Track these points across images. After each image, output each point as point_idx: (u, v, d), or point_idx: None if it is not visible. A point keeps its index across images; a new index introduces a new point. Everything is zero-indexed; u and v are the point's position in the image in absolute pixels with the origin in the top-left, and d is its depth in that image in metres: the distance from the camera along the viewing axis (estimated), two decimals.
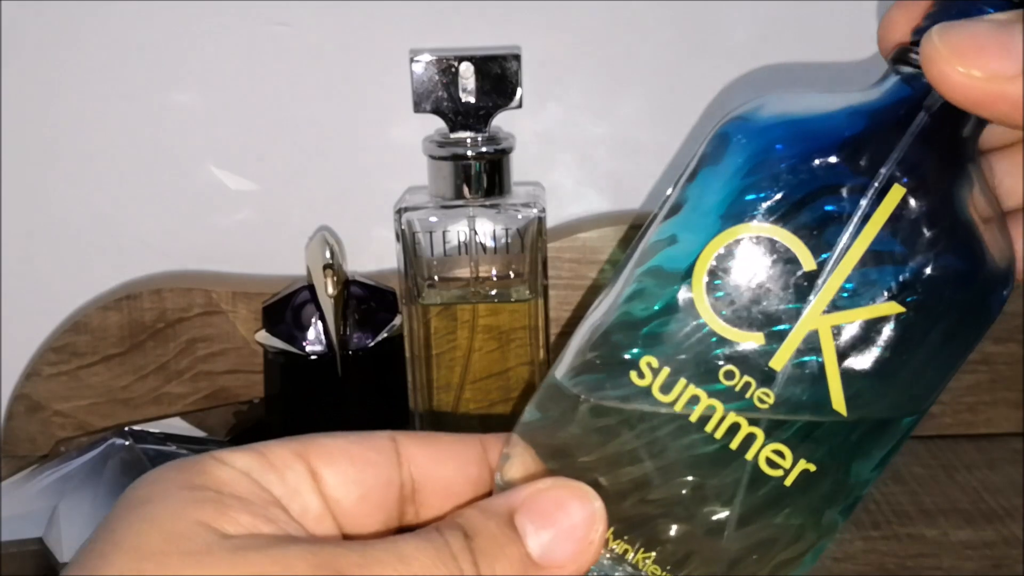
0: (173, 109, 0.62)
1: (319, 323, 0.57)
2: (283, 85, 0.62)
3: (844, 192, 0.27)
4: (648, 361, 0.28)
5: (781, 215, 0.27)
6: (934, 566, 0.51)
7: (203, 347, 0.63)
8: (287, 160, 0.63)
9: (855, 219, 0.26)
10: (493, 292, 0.56)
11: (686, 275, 0.27)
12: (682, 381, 0.27)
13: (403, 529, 0.30)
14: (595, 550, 0.27)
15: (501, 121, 0.55)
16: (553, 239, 0.61)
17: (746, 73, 0.62)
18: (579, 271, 0.62)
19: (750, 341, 0.27)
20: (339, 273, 0.57)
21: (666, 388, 0.27)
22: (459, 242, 0.56)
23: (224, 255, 0.65)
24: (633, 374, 0.28)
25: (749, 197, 0.27)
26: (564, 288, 0.62)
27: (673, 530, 0.28)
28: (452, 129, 0.54)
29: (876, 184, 0.26)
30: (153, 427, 0.58)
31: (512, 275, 0.56)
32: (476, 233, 0.55)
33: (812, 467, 0.27)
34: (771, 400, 0.27)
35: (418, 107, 0.54)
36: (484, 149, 0.54)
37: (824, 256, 0.27)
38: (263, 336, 0.58)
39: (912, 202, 0.26)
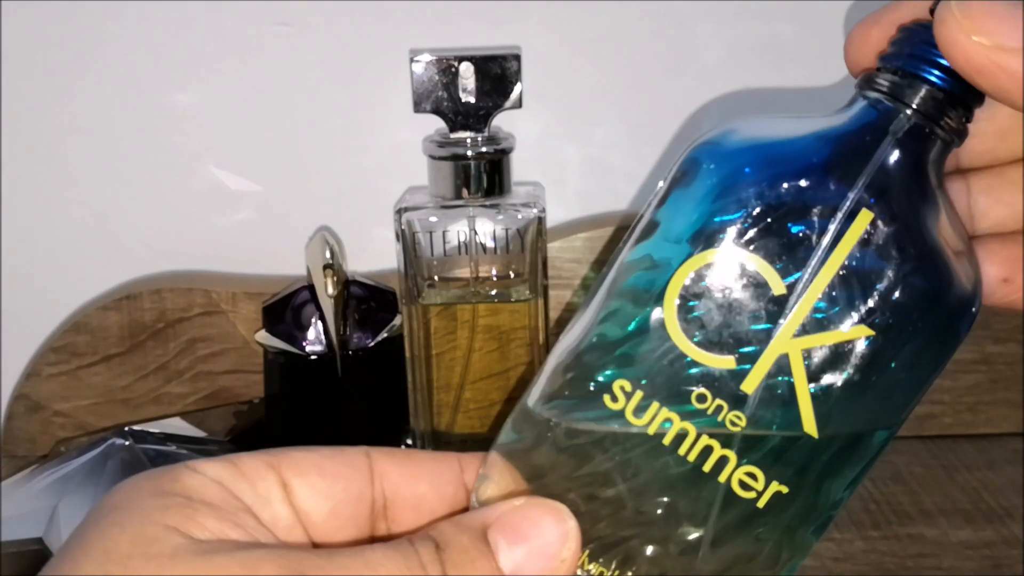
0: (173, 109, 0.62)
1: (319, 323, 0.57)
2: (283, 85, 0.62)
3: (813, 216, 0.27)
4: (621, 384, 0.28)
5: (750, 239, 0.27)
6: (934, 566, 0.51)
7: (203, 347, 0.63)
8: (287, 160, 0.63)
9: (824, 243, 0.27)
10: (493, 292, 0.56)
11: (658, 298, 0.28)
12: (655, 404, 0.28)
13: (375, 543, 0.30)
14: (567, 568, 0.27)
15: (501, 121, 0.55)
16: (553, 239, 0.61)
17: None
18: (579, 271, 0.62)
19: (721, 364, 0.27)
20: (339, 273, 0.57)
21: (639, 411, 0.28)
22: (459, 242, 0.56)
23: (224, 255, 0.65)
24: (607, 397, 0.28)
25: (718, 220, 0.27)
26: (564, 288, 0.62)
27: (647, 551, 0.29)
28: (452, 129, 0.54)
29: (844, 208, 0.27)
30: (153, 427, 0.58)
31: (512, 275, 0.56)
32: (476, 233, 0.55)
33: (784, 489, 0.28)
34: (743, 423, 0.27)
35: (418, 107, 0.54)
36: (484, 149, 0.54)
37: (793, 280, 0.27)
38: (263, 336, 0.58)
39: (880, 226, 0.27)
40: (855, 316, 0.27)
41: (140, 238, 0.65)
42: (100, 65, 0.61)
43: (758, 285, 0.27)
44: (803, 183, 0.27)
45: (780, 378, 0.27)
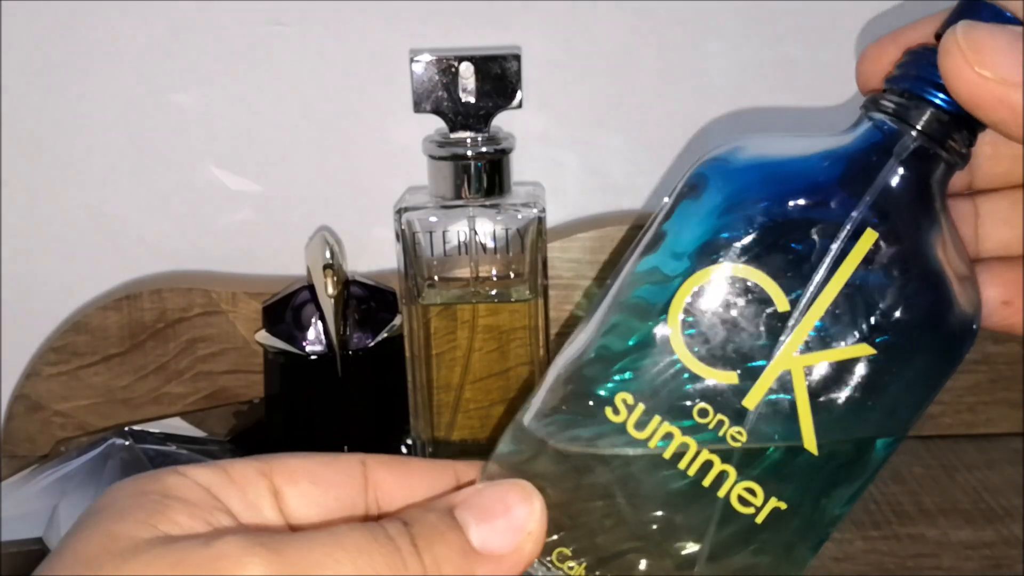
0: (173, 109, 0.62)
1: (319, 323, 0.57)
2: (283, 85, 0.62)
3: (817, 235, 0.27)
4: (623, 398, 0.28)
5: (756, 256, 0.27)
6: (934, 566, 0.51)
7: (203, 347, 0.63)
8: (287, 160, 0.63)
9: (827, 262, 0.27)
10: (493, 292, 0.56)
11: (662, 312, 0.28)
12: (656, 418, 0.28)
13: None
14: (534, 541, 0.28)
15: (501, 121, 0.55)
16: (553, 239, 0.61)
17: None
18: (579, 271, 0.62)
19: (724, 379, 0.27)
20: (339, 273, 0.57)
21: (640, 425, 0.28)
22: (459, 242, 0.56)
23: (224, 255, 0.65)
24: (608, 410, 0.28)
25: (724, 236, 0.28)
26: (564, 288, 0.62)
27: (644, 564, 0.29)
28: (452, 129, 0.54)
29: (848, 227, 0.27)
30: (153, 427, 0.58)
31: (512, 275, 0.56)
32: (476, 233, 0.55)
33: (783, 505, 0.28)
34: (744, 438, 0.28)
35: (418, 107, 0.54)
36: (484, 149, 0.54)
37: (797, 297, 0.27)
38: (263, 336, 0.58)
39: (883, 246, 0.27)
40: (857, 334, 0.27)
41: (140, 238, 0.65)
42: (100, 65, 0.61)
43: (762, 301, 0.27)
44: (808, 202, 0.27)
45: (782, 394, 0.27)
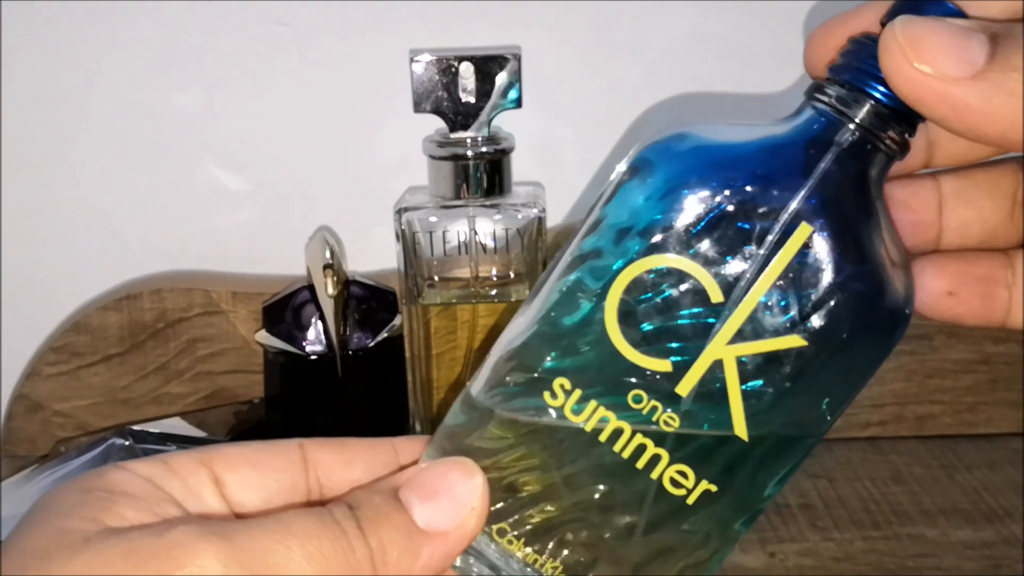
0: (173, 109, 0.62)
1: (319, 323, 0.57)
2: (283, 85, 0.62)
3: (753, 225, 0.27)
4: (561, 382, 0.29)
5: (691, 245, 0.28)
6: (934, 566, 0.51)
7: (203, 347, 0.63)
8: (287, 160, 0.64)
9: (762, 253, 0.27)
10: (493, 292, 0.56)
11: (599, 297, 0.28)
12: (593, 402, 0.29)
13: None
14: (478, 516, 0.28)
15: (501, 121, 0.55)
16: (553, 239, 0.61)
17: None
18: None
19: (658, 367, 0.28)
20: (339, 273, 0.57)
21: (577, 409, 0.29)
22: (459, 242, 0.56)
23: (224, 255, 0.65)
24: (546, 394, 0.29)
25: (661, 224, 0.28)
26: None
27: (580, 539, 0.30)
28: (452, 129, 0.54)
29: (784, 219, 0.27)
30: (153, 427, 0.58)
31: (512, 275, 0.56)
32: (476, 233, 0.55)
33: (713, 487, 0.29)
34: (676, 424, 0.28)
35: (418, 107, 0.54)
36: (484, 149, 0.54)
37: (731, 287, 0.28)
38: (263, 336, 0.58)
39: (818, 239, 0.27)
40: (789, 326, 0.28)
41: (140, 238, 0.65)
42: (100, 65, 0.61)
43: (696, 291, 0.28)
44: (746, 191, 0.28)
45: (714, 382, 0.28)
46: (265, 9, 0.61)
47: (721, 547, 0.30)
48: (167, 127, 0.63)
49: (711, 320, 0.28)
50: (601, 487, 0.29)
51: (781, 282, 0.27)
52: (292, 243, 0.63)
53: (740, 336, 0.28)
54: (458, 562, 0.30)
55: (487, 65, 0.53)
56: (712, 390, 0.28)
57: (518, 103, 0.54)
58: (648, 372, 0.28)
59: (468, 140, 0.54)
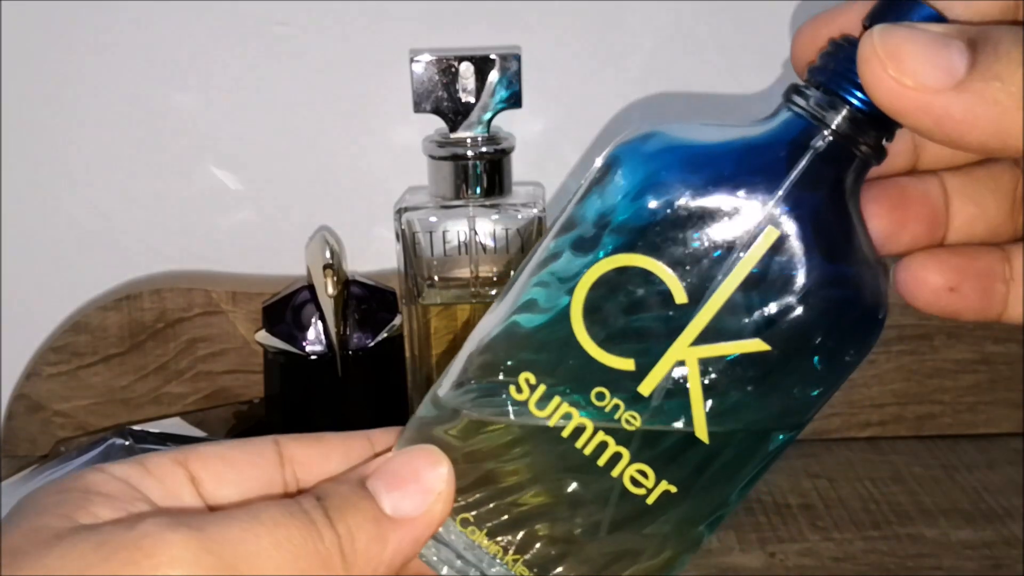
0: (173, 109, 0.62)
1: (319, 323, 0.57)
2: (283, 85, 0.62)
3: (721, 228, 0.27)
4: (526, 377, 0.29)
5: (658, 246, 0.27)
6: (934, 566, 0.51)
7: (203, 347, 0.63)
8: (287, 160, 0.64)
9: (730, 257, 0.27)
10: (493, 292, 0.56)
11: (567, 296, 0.28)
12: (557, 398, 0.29)
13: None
14: (444, 502, 0.29)
15: (501, 121, 0.55)
16: None
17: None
18: None
19: (621, 366, 0.28)
20: (339, 273, 0.57)
21: (541, 404, 0.29)
22: (459, 242, 0.56)
23: (224, 255, 0.65)
24: (512, 388, 0.29)
25: (630, 224, 0.28)
26: None
27: (543, 535, 0.30)
28: (452, 129, 0.54)
29: (754, 222, 0.27)
30: (153, 427, 0.58)
31: (512, 275, 0.56)
32: (476, 233, 0.55)
33: (673, 489, 0.29)
34: (638, 423, 0.28)
35: (418, 107, 0.54)
36: (484, 149, 0.54)
37: (696, 289, 0.27)
38: (263, 336, 0.58)
39: (786, 243, 0.27)
40: (754, 330, 0.27)
41: (140, 238, 0.65)
42: (100, 65, 0.61)
43: (661, 292, 0.28)
44: (716, 194, 0.27)
45: (677, 383, 0.28)
46: (265, 9, 0.61)
47: (684, 548, 0.30)
48: (167, 127, 0.63)
49: (676, 321, 0.28)
50: (564, 483, 0.29)
51: (747, 286, 0.27)
52: (292, 243, 0.63)
53: (704, 338, 0.28)
54: (426, 551, 0.30)
55: (487, 65, 0.53)
56: (675, 391, 0.28)
57: (518, 103, 0.54)
58: (612, 370, 0.28)
59: (468, 140, 0.54)
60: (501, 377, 0.29)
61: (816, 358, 0.28)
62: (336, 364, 0.56)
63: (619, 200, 0.28)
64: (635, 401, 0.28)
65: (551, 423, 0.29)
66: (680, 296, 0.28)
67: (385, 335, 0.58)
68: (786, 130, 0.28)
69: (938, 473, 0.59)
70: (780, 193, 0.27)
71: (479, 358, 0.30)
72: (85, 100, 0.62)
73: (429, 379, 0.56)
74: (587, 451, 0.29)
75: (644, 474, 0.29)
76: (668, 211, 0.27)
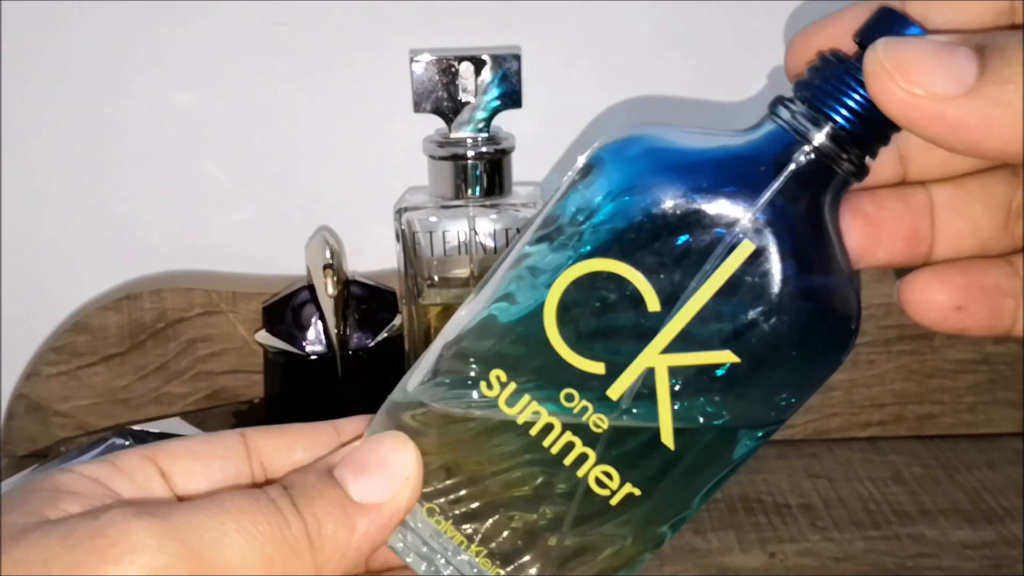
0: (173, 109, 0.62)
1: (319, 323, 0.57)
2: (283, 85, 0.62)
3: (698, 237, 0.27)
4: (497, 374, 0.29)
5: (633, 252, 0.28)
6: (934, 566, 0.51)
7: (203, 347, 0.63)
8: (287, 160, 0.64)
9: (704, 267, 0.27)
10: None
11: (540, 296, 0.28)
12: (527, 396, 0.29)
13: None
14: (411, 487, 0.29)
15: (501, 121, 0.55)
16: None
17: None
18: None
19: (591, 369, 0.28)
20: (339, 273, 0.57)
21: (511, 401, 0.29)
22: (459, 242, 0.56)
23: (224, 255, 0.65)
24: (483, 384, 0.29)
25: (607, 227, 0.28)
26: None
27: (507, 527, 0.30)
28: (452, 129, 0.54)
29: (730, 233, 0.27)
30: (153, 427, 0.58)
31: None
32: (476, 233, 0.55)
33: (637, 491, 0.29)
34: (605, 426, 0.29)
35: (418, 107, 0.54)
36: (484, 149, 0.54)
37: (669, 297, 0.28)
38: (263, 336, 0.58)
39: (761, 257, 0.27)
40: (725, 340, 0.28)
41: (140, 238, 0.65)
42: (100, 65, 0.61)
43: (634, 297, 0.28)
44: (693, 201, 0.27)
45: (645, 389, 0.28)
46: (265, 9, 0.61)
47: (646, 547, 0.31)
48: (167, 127, 0.63)
49: (648, 328, 0.28)
50: (529, 479, 0.30)
51: (719, 297, 0.27)
52: (292, 243, 0.63)
53: (675, 346, 0.28)
54: (392, 539, 0.30)
55: (487, 65, 0.53)
56: (643, 396, 0.28)
57: (518, 103, 0.54)
58: (582, 373, 0.28)
59: (468, 140, 0.54)
60: (472, 373, 0.29)
61: (786, 370, 0.28)
62: (336, 364, 0.56)
63: (597, 202, 0.28)
64: (603, 404, 0.28)
65: (520, 420, 0.29)
66: (653, 303, 0.28)
67: (385, 335, 0.58)
68: (769, 143, 0.28)
69: (938, 473, 0.59)
70: (758, 206, 0.27)
71: (449, 352, 0.30)
72: (85, 100, 0.62)
73: None
74: (554, 450, 0.29)
75: (609, 475, 0.29)
76: (646, 216, 0.27)
